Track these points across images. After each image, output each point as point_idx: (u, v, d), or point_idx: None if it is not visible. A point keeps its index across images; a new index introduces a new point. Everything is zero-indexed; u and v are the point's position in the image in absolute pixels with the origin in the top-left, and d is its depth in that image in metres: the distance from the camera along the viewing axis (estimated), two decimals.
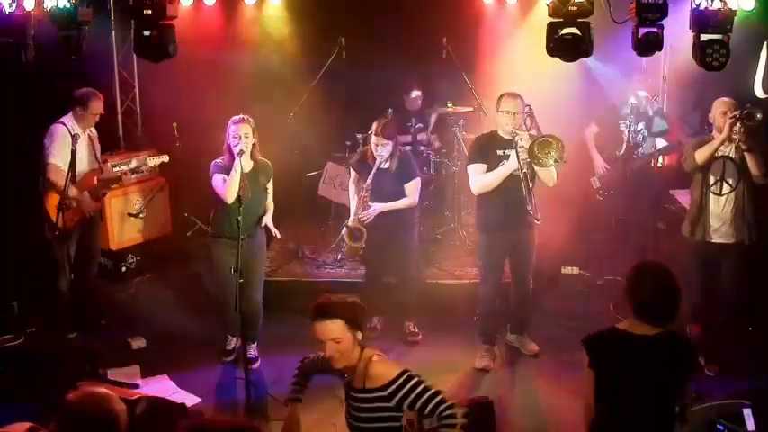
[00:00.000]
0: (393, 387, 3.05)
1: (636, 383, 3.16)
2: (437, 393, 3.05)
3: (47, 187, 5.64)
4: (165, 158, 6.39)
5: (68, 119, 5.70)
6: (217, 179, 5.16)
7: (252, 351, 5.45)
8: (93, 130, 5.95)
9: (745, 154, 5.00)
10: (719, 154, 5.06)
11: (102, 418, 2.49)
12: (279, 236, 5.43)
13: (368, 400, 3.11)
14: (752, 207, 5.13)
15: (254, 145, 5.21)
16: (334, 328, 3.07)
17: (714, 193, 5.15)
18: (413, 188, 5.65)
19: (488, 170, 5.22)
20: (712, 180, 5.14)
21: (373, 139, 5.57)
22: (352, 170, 5.92)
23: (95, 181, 5.87)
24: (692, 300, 5.12)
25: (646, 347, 3.14)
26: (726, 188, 5.12)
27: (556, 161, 4.95)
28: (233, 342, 5.57)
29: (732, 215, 5.14)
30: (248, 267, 5.03)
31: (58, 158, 5.57)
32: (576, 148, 6.42)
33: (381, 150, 5.53)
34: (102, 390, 2.61)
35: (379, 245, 5.67)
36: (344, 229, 5.77)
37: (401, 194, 5.64)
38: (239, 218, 4.74)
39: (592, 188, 6.74)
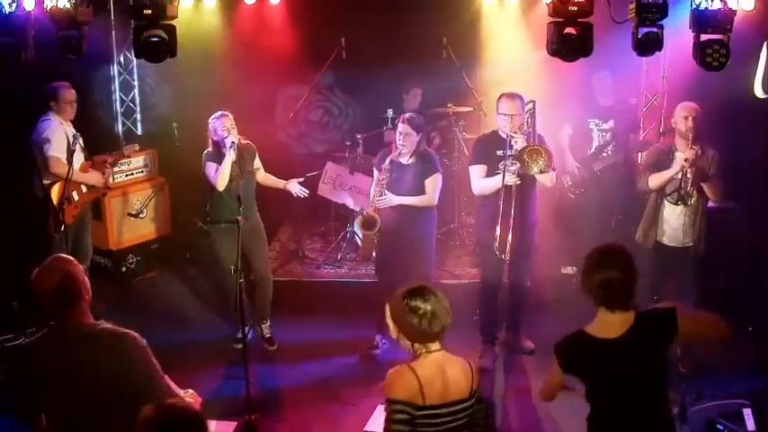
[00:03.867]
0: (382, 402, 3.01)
1: (620, 385, 3.12)
2: None
3: (53, 182, 5.63)
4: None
5: (53, 117, 5.65)
6: (209, 168, 5.41)
7: (267, 331, 5.72)
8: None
9: (702, 183, 4.99)
10: (680, 167, 5.01)
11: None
12: (303, 193, 5.69)
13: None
14: (705, 219, 5.14)
15: None
16: (389, 310, 3.07)
17: (670, 203, 5.15)
18: (433, 184, 5.37)
19: (488, 170, 5.21)
20: (669, 189, 5.13)
21: (399, 126, 5.33)
22: (375, 171, 5.61)
23: (89, 170, 5.87)
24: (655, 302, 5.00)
25: (617, 350, 3.07)
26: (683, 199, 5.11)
27: (541, 171, 4.94)
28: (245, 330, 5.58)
29: (686, 225, 5.13)
30: (251, 245, 5.46)
31: (58, 151, 5.58)
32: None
33: (405, 140, 5.27)
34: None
35: (395, 250, 5.46)
36: (359, 217, 5.66)
37: (421, 191, 5.39)
38: (240, 207, 4.97)
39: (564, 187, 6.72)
